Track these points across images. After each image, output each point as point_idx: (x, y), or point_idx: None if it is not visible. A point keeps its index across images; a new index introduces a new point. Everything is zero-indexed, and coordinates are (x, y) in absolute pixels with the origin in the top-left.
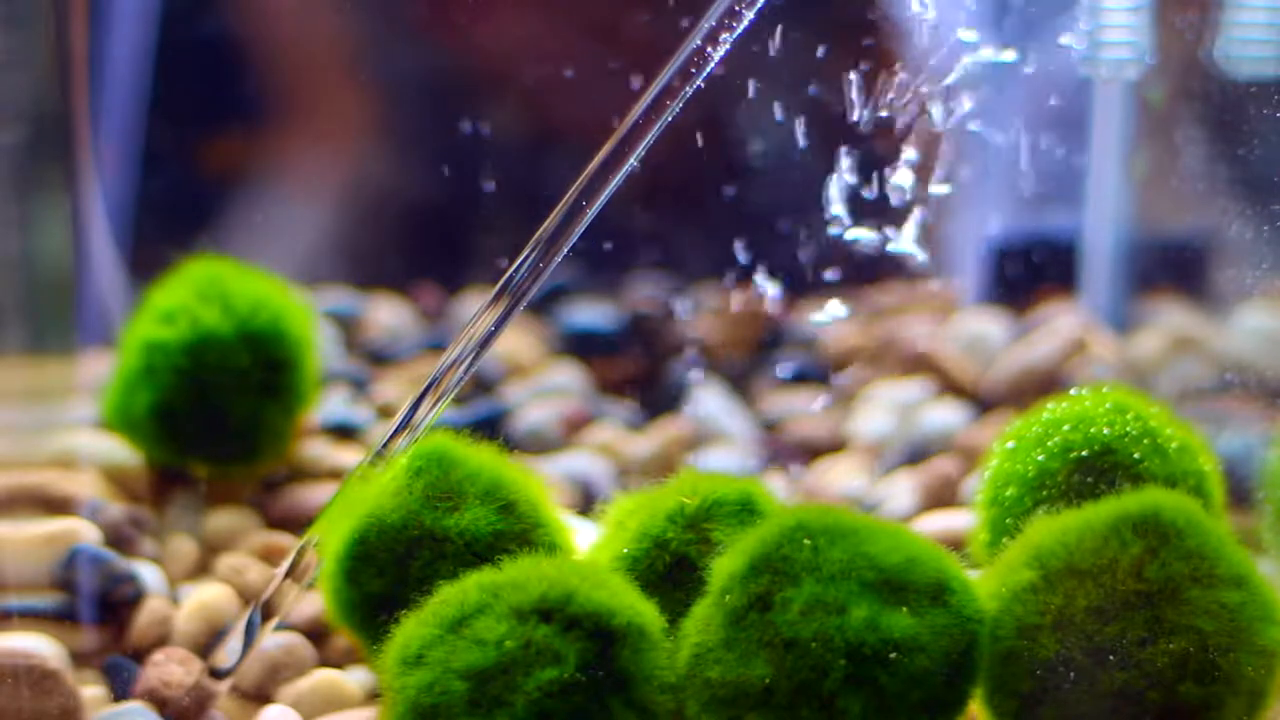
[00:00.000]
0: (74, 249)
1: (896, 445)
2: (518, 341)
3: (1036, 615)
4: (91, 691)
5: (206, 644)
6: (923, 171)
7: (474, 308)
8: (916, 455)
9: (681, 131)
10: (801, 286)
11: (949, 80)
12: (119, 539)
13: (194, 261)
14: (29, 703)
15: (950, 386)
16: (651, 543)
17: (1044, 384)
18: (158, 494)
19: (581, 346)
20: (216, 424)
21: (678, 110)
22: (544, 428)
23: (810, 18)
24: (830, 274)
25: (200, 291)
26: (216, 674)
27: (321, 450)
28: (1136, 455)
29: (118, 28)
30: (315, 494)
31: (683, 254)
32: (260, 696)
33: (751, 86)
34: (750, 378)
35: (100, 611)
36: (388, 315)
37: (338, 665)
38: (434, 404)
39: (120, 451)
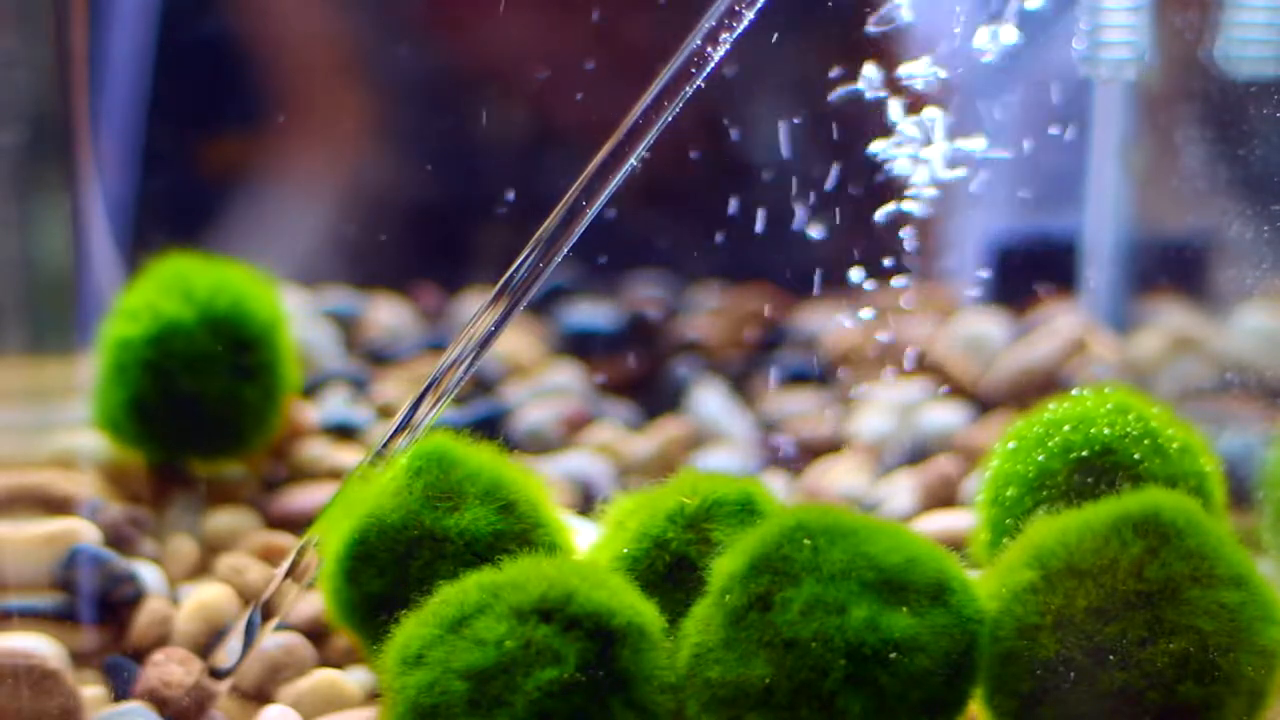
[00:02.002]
0: (74, 249)
1: (896, 445)
2: (518, 341)
3: (1036, 615)
4: (91, 691)
5: (206, 644)
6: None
7: (474, 308)
8: (916, 455)
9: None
10: (803, 287)
11: (948, 80)
12: (119, 539)
13: (161, 260)
14: (29, 703)
15: (950, 387)
16: (651, 543)
17: (1044, 384)
18: (158, 494)
19: (581, 346)
20: (192, 412)
21: (677, 110)
22: (544, 428)
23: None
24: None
25: (163, 286)
26: (216, 674)
27: (321, 450)
28: (1137, 456)
29: (118, 28)
30: (315, 494)
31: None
32: (260, 696)
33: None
34: (750, 378)
35: (100, 611)
36: (388, 315)
37: (338, 665)
38: (434, 404)
39: (118, 451)
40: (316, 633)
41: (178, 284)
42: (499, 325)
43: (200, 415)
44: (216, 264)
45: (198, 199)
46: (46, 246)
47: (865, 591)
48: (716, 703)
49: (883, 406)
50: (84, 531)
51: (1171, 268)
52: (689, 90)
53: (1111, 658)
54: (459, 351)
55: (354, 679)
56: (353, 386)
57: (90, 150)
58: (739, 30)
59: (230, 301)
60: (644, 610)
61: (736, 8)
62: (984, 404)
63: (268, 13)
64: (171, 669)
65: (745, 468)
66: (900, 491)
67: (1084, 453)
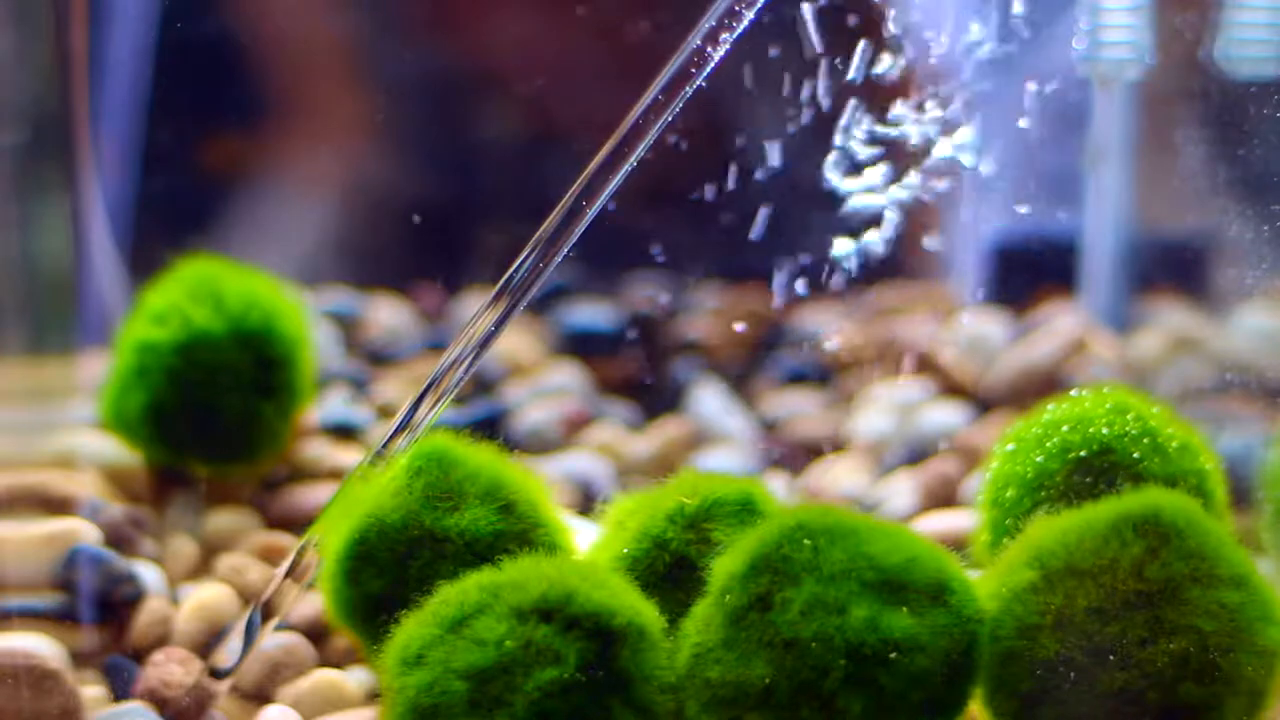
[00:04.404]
0: (74, 249)
1: (896, 445)
2: (518, 341)
3: (1037, 615)
4: (91, 691)
5: (206, 644)
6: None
7: (474, 308)
8: (916, 455)
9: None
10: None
11: (949, 81)
12: (119, 539)
13: (187, 261)
14: (29, 703)
15: (950, 386)
16: (651, 543)
17: (1044, 384)
18: (158, 494)
19: (581, 346)
20: (210, 423)
21: (677, 110)
22: (544, 428)
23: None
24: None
25: (192, 291)
26: (216, 674)
27: (321, 450)
28: (1136, 455)
29: (118, 28)
30: (315, 494)
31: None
32: (260, 696)
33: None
34: (750, 378)
35: (100, 611)
36: (388, 315)
37: (338, 665)
38: (434, 404)
39: (120, 451)
40: (316, 633)
41: (207, 291)
42: (499, 325)
43: (217, 427)
44: (244, 272)
45: (198, 199)
46: (46, 246)
47: (865, 591)
48: (716, 703)
49: (883, 406)
50: (84, 531)
51: (1171, 268)
52: (689, 90)
53: (1111, 658)
54: (459, 351)
55: (354, 679)
56: (353, 386)
57: (90, 150)
58: (739, 30)
59: (261, 317)
60: (644, 610)
61: (736, 8)
62: (984, 404)
63: (268, 12)
64: (171, 669)
65: (746, 468)
66: (900, 491)
67: (1083, 453)
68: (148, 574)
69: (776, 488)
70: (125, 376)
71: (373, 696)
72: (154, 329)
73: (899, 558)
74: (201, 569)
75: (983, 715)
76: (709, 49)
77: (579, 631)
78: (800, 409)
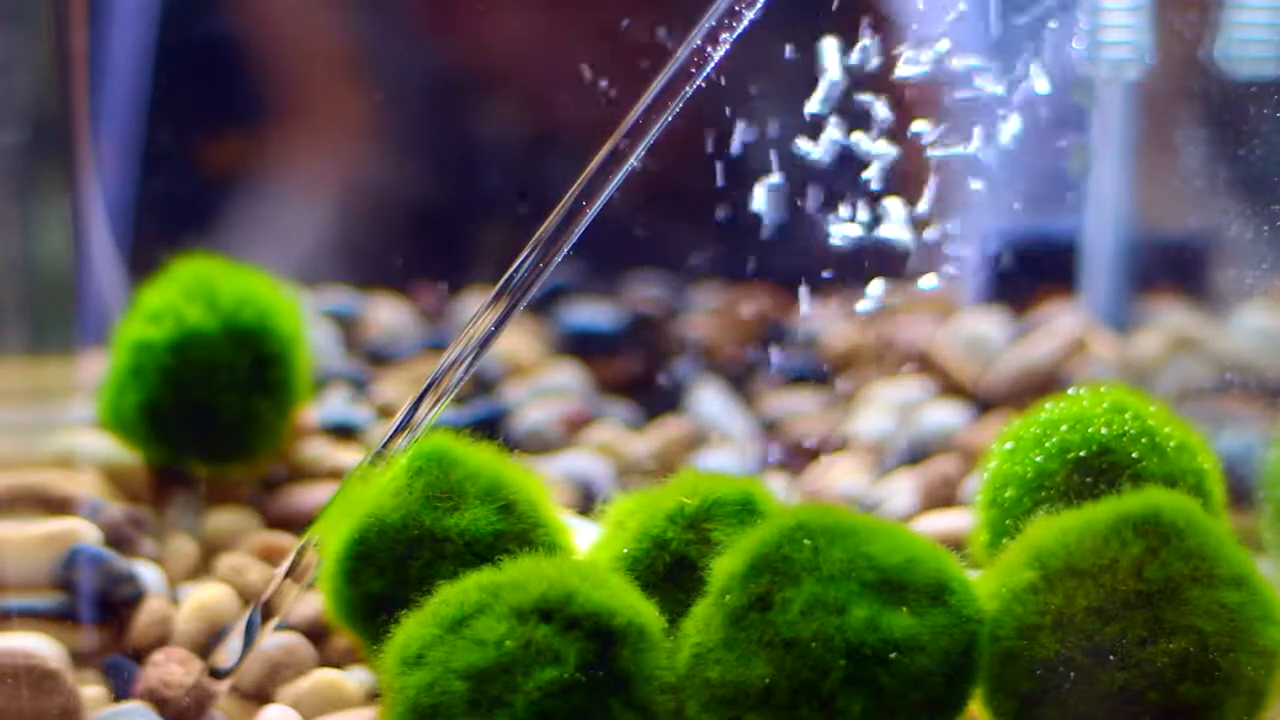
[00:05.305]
0: (74, 249)
1: (896, 445)
2: (518, 341)
3: (1036, 615)
4: (91, 691)
5: (206, 644)
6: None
7: (474, 308)
8: (916, 455)
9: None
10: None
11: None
12: (119, 539)
13: (183, 261)
14: (29, 703)
15: (950, 386)
16: (651, 543)
17: (1044, 384)
18: (157, 494)
19: (581, 346)
20: (206, 422)
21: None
22: (544, 428)
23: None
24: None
25: (187, 290)
26: (216, 674)
27: (321, 450)
28: (1135, 455)
29: (118, 28)
30: (315, 494)
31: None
32: (260, 696)
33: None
34: (750, 378)
35: (100, 611)
36: (388, 315)
37: (338, 665)
38: (434, 404)
39: (120, 451)
40: (316, 633)
41: (202, 290)
42: (499, 325)
43: (213, 425)
44: (239, 271)
45: (198, 199)
46: (46, 246)
47: (865, 591)
48: (716, 703)
49: (883, 406)
50: (84, 531)
51: (1171, 268)
52: (689, 90)
53: (1111, 658)
54: (459, 351)
55: (354, 679)
56: (353, 386)
57: (90, 150)
58: (739, 30)
59: (255, 315)
60: (644, 610)
61: (736, 8)
62: (984, 404)
63: (268, 12)
64: (171, 669)
65: (745, 468)
66: (900, 491)
67: (1082, 452)
68: (148, 574)
69: (776, 488)
70: (121, 376)
71: (373, 696)
72: (149, 328)
73: (899, 558)
74: (201, 569)
75: (983, 715)
76: (709, 49)
77: (579, 631)
78: (800, 409)
